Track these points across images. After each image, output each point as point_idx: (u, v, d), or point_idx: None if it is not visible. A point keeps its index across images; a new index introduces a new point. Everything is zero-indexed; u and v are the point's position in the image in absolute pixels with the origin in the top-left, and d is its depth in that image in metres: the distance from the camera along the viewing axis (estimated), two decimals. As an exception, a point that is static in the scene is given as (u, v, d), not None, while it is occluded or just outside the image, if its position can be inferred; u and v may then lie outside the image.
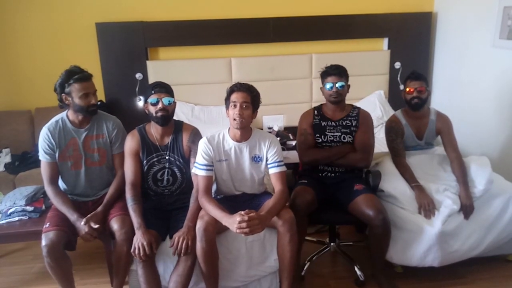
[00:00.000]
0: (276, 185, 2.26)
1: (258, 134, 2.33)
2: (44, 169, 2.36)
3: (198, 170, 2.24)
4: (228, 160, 2.29)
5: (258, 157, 2.31)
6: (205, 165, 2.23)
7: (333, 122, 2.57)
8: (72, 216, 2.24)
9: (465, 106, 3.73)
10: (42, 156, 2.34)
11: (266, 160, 2.31)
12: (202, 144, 2.26)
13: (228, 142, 2.28)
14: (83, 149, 2.37)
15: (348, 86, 2.56)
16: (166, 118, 2.27)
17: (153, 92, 2.25)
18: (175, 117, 2.38)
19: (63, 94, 2.27)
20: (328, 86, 2.51)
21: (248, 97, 2.18)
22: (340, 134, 2.55)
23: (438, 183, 2.58)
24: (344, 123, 2.56)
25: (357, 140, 2.55)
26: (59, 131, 2.35)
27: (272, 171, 2.28)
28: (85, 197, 2.44)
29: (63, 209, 2.28)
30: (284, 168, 2.30)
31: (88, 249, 2.77)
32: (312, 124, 2.60)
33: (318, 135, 2.58)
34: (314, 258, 2.70)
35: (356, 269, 2.61)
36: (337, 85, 2.49)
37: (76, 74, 2.24)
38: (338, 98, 2.51)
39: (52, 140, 2.32)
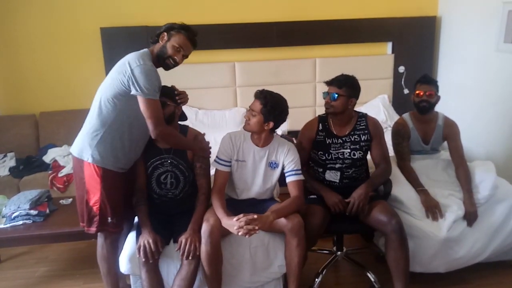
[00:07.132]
0: (293, 192, 2.27)
1: (278, 140, 2.34)
2: (158, 108, 2.07)
3: (216, 164, 2.29)
4: (246, 162, 2.31)
5: (275, 163, 2.31)
6: (224, 160, 2.29)
7: (339, 139, 2.45)
8: (187, 144, 2.27)
9: (469, 110, 3.72)
10: (155, 94, 2.04)
11: (283, 168, 2.31)
12: (225, 140, 2.32)
13: (248, 145, 2.31)
14: None
15: (352, 102, 2.38)
16: None
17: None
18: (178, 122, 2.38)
19: (165, 32, 2.17)
20: (324, 94, 2.43)
21: (259, 107, 2.19)
22: (349, 151, 2.43)
23: (443, 188, 2.57)
24: (352, 139, 2.43)
25: (375, 155, 2.48)
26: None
27: (290, 179, 2.28)
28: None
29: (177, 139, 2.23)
30: (301, 177, 2.29)
31: (92, 253, 2.75)
32: (313, 140, 2.49)
33: (321, 152, 2.47)
34: (324, 271, 2.59)
35: (369, 276, 2.54)
36: (330, 95, 2.37)
37: (190, 32, 2.17)
38: (329, 109, 2.40)
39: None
